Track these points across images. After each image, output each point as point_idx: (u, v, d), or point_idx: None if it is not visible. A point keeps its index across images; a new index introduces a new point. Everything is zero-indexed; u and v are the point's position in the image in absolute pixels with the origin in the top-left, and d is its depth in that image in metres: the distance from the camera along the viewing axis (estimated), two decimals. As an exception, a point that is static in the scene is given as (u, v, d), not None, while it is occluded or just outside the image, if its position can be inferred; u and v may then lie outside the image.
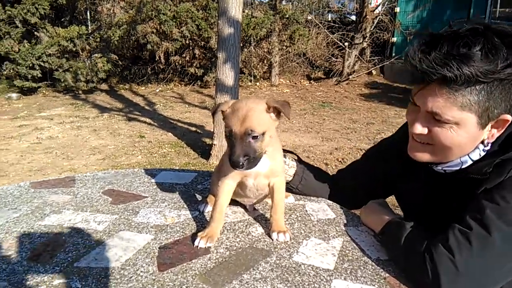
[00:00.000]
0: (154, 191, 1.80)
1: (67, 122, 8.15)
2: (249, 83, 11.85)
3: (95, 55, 10.95)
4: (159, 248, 1.32)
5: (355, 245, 1.39)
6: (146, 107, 9.60)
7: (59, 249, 1.31)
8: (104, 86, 12.00)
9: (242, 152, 1.26)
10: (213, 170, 1.80)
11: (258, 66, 11.73)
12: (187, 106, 9.71)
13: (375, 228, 1.45)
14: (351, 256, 1.32)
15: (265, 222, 1.53)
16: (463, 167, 1.27)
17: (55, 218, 1.52)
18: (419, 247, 1.17)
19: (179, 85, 12.11)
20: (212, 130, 6.38)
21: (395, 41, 13.75)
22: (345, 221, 1.57)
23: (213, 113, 1.39)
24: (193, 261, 1.26)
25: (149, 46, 10.82)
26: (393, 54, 13.46)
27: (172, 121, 8.21)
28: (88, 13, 11.92)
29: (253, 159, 1.28)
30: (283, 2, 12.52)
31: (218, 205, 1.42)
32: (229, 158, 1.28)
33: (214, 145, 5.70)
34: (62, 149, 6.51)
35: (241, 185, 1.47)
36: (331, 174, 1.89)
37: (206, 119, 8.32)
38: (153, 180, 1.93)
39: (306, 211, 1.65)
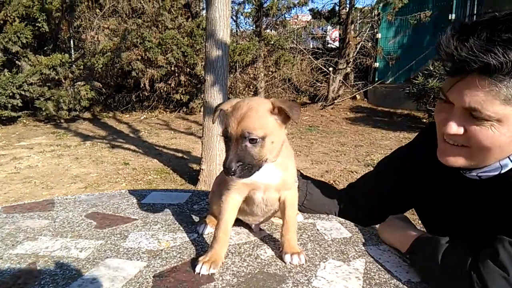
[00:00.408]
0: (144, 213, 1.60)
1: (47, 150, 7.84)
2: (235, 109, 11.75)
3: (78, 83, 10.74)
4: (153, 277, 1.12)
5: (379, 266, 1.21)
6: (131, 135, 9.35)
7: (32, 281, 1.09)
8: (87, 115, 11.72)
9: (235, 157, 1.09)
10: (209, 190, 1.62)
11: (244, 91, 11.69)
12: (172, 132, 9.51)
13: (400, 246, 1.28)
14: (378, 279, 1.14)
15: (274, 244, 1.34)
16: (502, 171, 1.12)
17: (29, 245, 1.30)
18: (463, 265, 1.00)
19: (164, 112, 11.94)
20: (199, 155, 6.19)
21: (377, 66, 13.96)
22: (363, 240, 1.39)
23: (213, 112, 1.23)
24: (195, 291, 1.06)
25: (134, 73, 10.69)
26: (376, 79, 13.63)
27: (158, 148, 7.98)
28: (71, 41, 11.78)
29: (248, 167, 1.11)
30: (267, 30, 12.65)
31: (223, 223, 1.23)
32: (223, 164, 1.12)
33: (202, 170, 5.49)
34: (42, 178, 6.19)
35: (247, 201, 1.29)
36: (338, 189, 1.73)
37: (192, 144, 8.12)
38: (142, 201, 1.73)
39: (318, 230, 1.47)
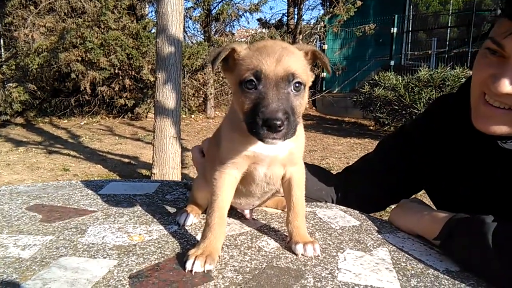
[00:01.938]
0: (104, 204, 1.28)
1: (-29, 157, 6.95)
2: (184, 115, 11.32)
3: (10, 84, 9.77)
4: (129, 278, 0.82)
5: (407, 255, 1.01)
6: (70, 140, 8.61)
7: (-50, 291, 0.75)
8: (19, 120, 10.69)
9: (280, 104, 0.80)
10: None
11: (194, 97, 11.30)
12: (117, 138, 8.89)
13: (425, 232, 1.08)
14: (412, 269, 0.93)
15: (275, 234, 1.09)
16: None
17: None
18: None
19: (107, 118, 11.20)
20: (148, 161, 5.77)
21: (324, 76, 14.26)
22: (376, 228, 1.18)
23: (216, 57, 0.88)
24: (190, 293, 0.78)
25: (73, 75, 9.91)
26: (324, 88, 13.91)
27: (101, 153, 7.38)
28: (1, 40, 10.75)
29: (293, 122, 0.81)
30: (216, 36, 12.42)
31: (217, 207, 0.96)
32: (249, 119, 0.81)
33: (154, 174, 5.08)
34: (-36, 187, 5.42)
35: (245, 178, 1.02)
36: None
37: (140, 150, 7.61)
38: (100, 192, 1.40)
39: (321, 218, 1.24)
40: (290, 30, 12.75)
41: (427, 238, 1.08)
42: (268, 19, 14.08)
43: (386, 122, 9.32)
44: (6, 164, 6.50)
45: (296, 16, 12.81)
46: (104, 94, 10.57)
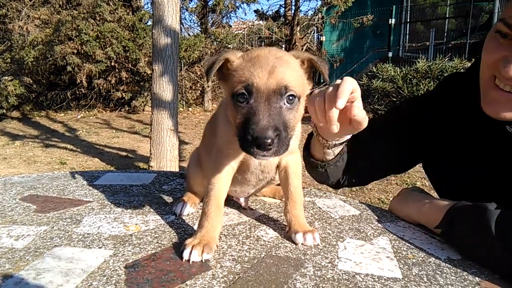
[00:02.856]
0: (100, 194, 1.26)
1: (-33, 151, 6.90)
2: (181, 108, 11.27)
3: (5, 77, 9.68)
4: (125, 267, 0.81)
5: (408, 244, 0.99)
6: (67, 133, 8.56)
7: None
8: (15, 114, 10.62)
9: (270, 121, 0.76)
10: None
11: (191, 90, 11.24)
12: (114, 131, 8.85)
13: (427, 220, 1.06)
14: (413, 258, 0.92)
15: (274, 224, 1.08)
16: None
17: None
18: None
19: (104, 111, 11.14)
20: (146, 154, 5.74)
21: (322, 68, 14.20)
22: (376, 217, 1.17)
23: (210, 68, 0.85)
24: (188, 283, 0.76)
25: (69, 68, 9.82)
26: (321, 81, 13.86)
27: (98, 147, 7.34)
28: (-5, 32, 10.64)
29: (285, 138, 0.79)
30: (213, 28, 12.32)
31: (213, 196, 0.94)
32: (241, 135, 0.79)
33: (151, 167, 5.05)
34: (-40, 181, 5.39)
35: (241, 167, 1.00)
36: None
37: (137, 143, 7.58)
38: (96, 183, 1.38)
39: (320, 208, 1.22)
40: (287, 21, 12.66)
41: (428, 227, 1.06)
42: (265, 11, 13.96)
43: (384, 114, 9.31)
44: (2, 158, 6.46)
45: (293, 7, 12.72)
46: (101, 87, 10.49)
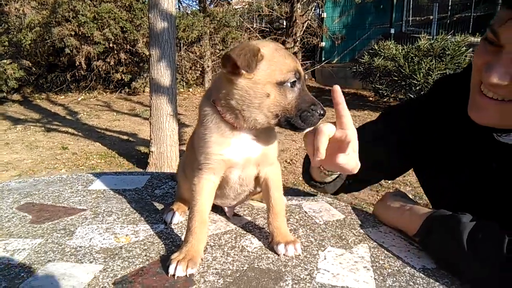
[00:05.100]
0: (93, 201, 1.30)
1: (-30, 136, 6.98)
2: (182, 89, 11.25)
3: (4, 61, 9.65)
4: (113, 284, 0.85)
5: (386, 252, 1.04)
6: (68, 117, 8.61)
7: None
8: (16, 97, 10.64)
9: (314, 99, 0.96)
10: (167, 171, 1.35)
11: (191, 71, 11.19)
12: (115, 114, 8.88)
13: (406, 227, 1.11)
14: (389, 268, 0.96)
15: (260, 232, 1.12)
16: None
17: None
18: (498, 247, 0.84)
19: (104, 93, 11.14)
20: (146, 137, 5.78)
21: (323, 45, 14.04)
22: (360, 222, 1.21)
23: (250, 64, 0.86)
24: (172, 300, 0.81)
25: (67, 50, 9.78)
26: (323, 59, 13.72)
27: (99, 130, 7.40)
28: (-8, 15, 10.52)
29: None
30: (212, 6, 12.13)
31: (197, 212, 0.98)
32: (292, 114, 0.92)
33: (152, 152, 5.12)
34: (-35, 167, 5.47)
35: (219, 183, 1.04)
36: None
37: (138, 126, 7.62)
38: (91, 187, 1.43)
39: (306, 212, 1.27)
40: (287, -2, 12.44)
41: (408, 234, 1.10)
42: (265, -13, 13.69)
43: (385, 94, 9.26)
44: (5, 143, 6.53)
45: (294, -17, 12.46)
46: (100, 69, 10.46)
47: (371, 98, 10.29)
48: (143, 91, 10.87)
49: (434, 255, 1.00)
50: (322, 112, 0.94)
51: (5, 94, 10.08)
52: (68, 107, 9.55)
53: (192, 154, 1.04)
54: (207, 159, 0.97)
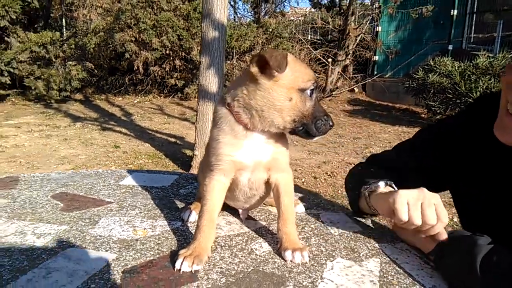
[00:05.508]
0: (121, 195, 1.38)
1: (35, 130, 7.55)
2: (231, 97, 11.45)
3: (69, 62, 10.39)
4: (122, 272, 0.91)
5: (397, 268, 1.01)
6: (123, 118, 9.07)
7: (-31, 274, 0.87)
8: (78, 96, 11.38)
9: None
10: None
11: (241, 79, 11.38)
12: (166, 117, 9.24)
13: (422, 245, 1.07)
14: (398, 284, 0.94)
15: (272, 237, 1.13)
16: None
17: (-23, 228, 1.08)
18: (510, 274, 0.80)
19: (158, 97, 11.63)
20: (193, 141, 5.94)
21: (376, 59, 13.75)
22: (377, 236, 1.18)
23: (281, 65, 0.92)
24: (173, 292, 0.85)
25: (127, 55, 10.34)
26: (375, 73, 13.42)
27: (150, 132, 7.72)
28: (63, 20, 11.39)
29: None
30: (266, 17, 12.32)
31: (206, 211, 1.02)
32: (309, 120, 0.98)
33: (195, 155, 5.26)
34: (28, 158, 5.92)
35: (229, 185, 1.08)
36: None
37: (186, 130, 7.87)
38: (122, 182, 1.51)
39: (323, 222, 1.26)
40: (342, 11, 12.35)
41: (424, 252, 1.07)
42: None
43: (439, 111, 8.87)
44: (63, 138, 7.00)
45: (349, -4, 12.35)
46: (156, 74, 10.94)
47: (423, 115, 9.90)
48: (195, 97, 11.20)
49: (446, 276, 0.96)
50: (332, 124, 1.00)
51: (68, 93, 10.81)
52: (124, 108, 10.06)
53: (208, 156, 1.08)
54: (218, 160, 1.01)
